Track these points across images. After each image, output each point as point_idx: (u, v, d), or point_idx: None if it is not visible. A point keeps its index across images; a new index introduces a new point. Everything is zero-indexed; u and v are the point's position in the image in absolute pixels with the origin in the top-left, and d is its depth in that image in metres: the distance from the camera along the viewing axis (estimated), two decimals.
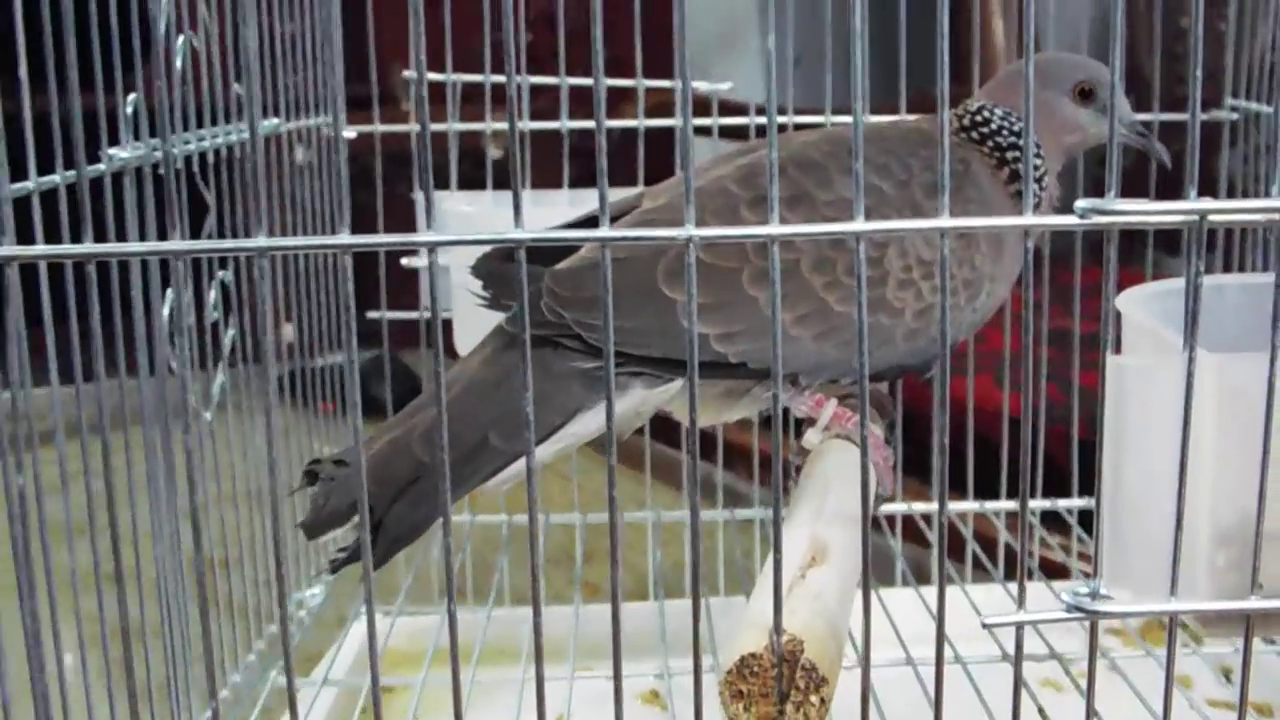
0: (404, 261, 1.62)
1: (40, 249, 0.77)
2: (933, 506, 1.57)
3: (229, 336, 1.27)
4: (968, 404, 1.61)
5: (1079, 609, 0.75)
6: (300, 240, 0.78)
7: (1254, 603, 0.76)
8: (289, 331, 1.48)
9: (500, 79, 1.55)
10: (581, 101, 1.55)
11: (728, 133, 1.62)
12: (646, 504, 1.65)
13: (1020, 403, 0.75)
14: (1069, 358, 1.57)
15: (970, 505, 1.61)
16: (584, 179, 1.57)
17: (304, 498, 1.01)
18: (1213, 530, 0.82)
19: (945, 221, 0.73)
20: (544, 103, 1.62)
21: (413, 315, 1.64)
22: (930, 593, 1.25)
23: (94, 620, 0.91)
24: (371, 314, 1.63)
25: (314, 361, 1.54)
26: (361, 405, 0.73)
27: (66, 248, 0.76)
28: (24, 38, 0.83)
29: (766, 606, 0.77)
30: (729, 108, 1.63)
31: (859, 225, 0.73)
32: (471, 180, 1.66)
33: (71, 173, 0.87)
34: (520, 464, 1.01)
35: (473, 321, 1.42)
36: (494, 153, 1.67)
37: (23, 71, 0.82)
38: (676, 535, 1.60)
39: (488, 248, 1.08)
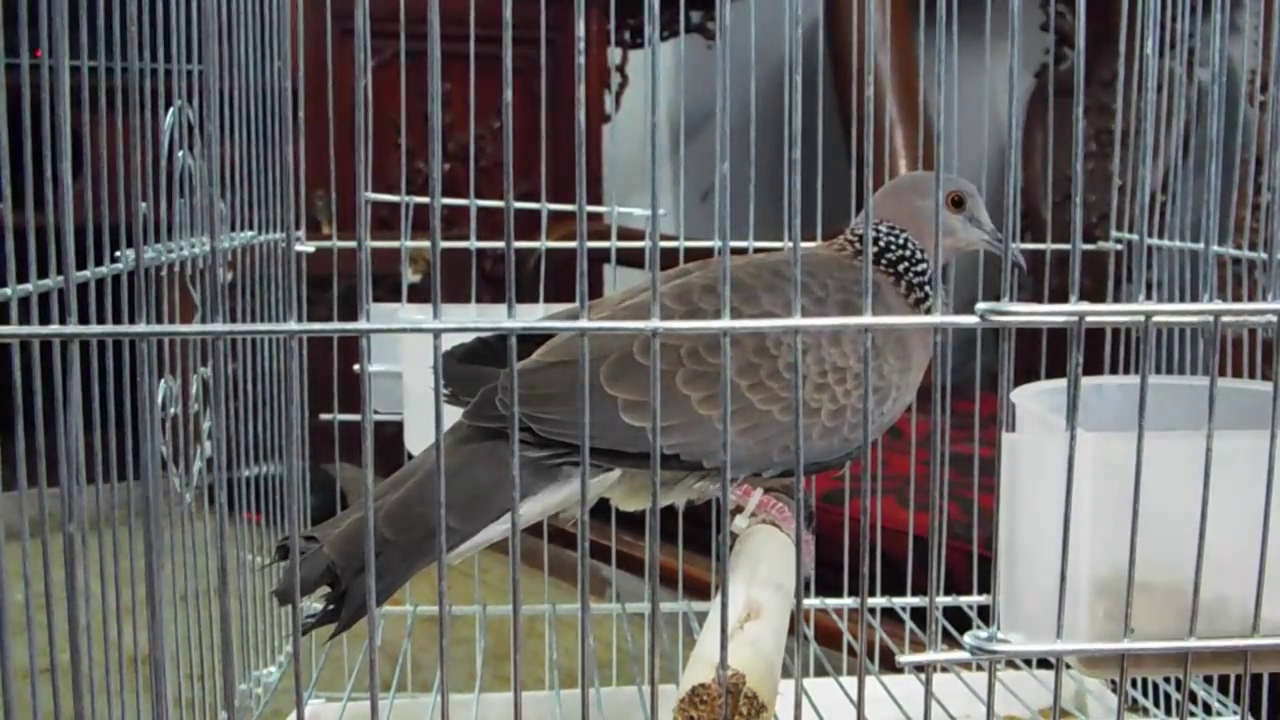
0: (355, 367, 1.72)
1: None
2: (844, 601, 1.68)
3: (206, 428, 1.37)
4: (878, 520, 1.66)
5: (980, 649, 0.87)
6: (254, 326, 0.86)
7: (1127, 645, 0.87)
8: (207, 446, 1.53)
9: (422, 200, 1.69)
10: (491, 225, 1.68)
11: (625, 257, 1.73)
12: (545, 597, 1.74)
13: (925, 521, 0.85)
14: (969, 480, 1.66)
15: (878, 600, 1.67)
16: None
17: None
18: (1091, 582, 0.92)
19: (868, 319, 0.86)
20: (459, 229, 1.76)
21: (355, 418, 1.74)
22: (848, 682, 1.37)
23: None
24: (324, 416, 1.71)
25: (239, 472, 1.57)
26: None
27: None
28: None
29: (714, 646, 0.87)
30: (628, 234, 1.75)
31: (796, 321, 0.86)
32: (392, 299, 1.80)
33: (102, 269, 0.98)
34: (473, 540, 1.10)
35: (424, 423, 1.55)
36: (411, 277, 1.79)
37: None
38: (571, 626, 1.67)
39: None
